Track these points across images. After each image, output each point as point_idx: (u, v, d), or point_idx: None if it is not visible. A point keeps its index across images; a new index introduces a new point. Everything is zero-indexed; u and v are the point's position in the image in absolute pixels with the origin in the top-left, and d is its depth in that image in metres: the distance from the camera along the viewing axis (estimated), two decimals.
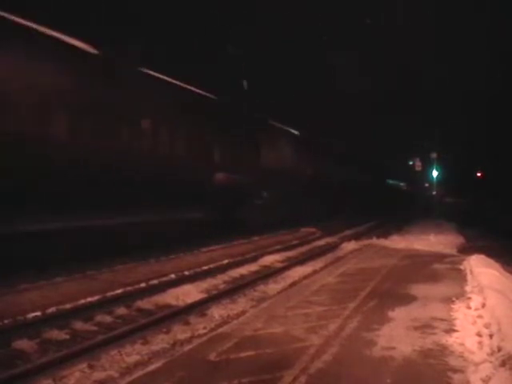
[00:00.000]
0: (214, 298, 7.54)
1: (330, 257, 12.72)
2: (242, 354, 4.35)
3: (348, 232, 19.50)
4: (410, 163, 49.23)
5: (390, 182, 44.90)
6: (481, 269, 8.50)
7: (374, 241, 15.75)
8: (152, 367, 4.14)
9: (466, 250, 13.64)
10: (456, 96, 50.09)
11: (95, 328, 6.06)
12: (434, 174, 44.76)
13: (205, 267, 9.82)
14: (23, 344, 5.26)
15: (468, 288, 7.29)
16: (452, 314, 5.87)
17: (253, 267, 10.60)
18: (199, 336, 5.62)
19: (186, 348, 4.76)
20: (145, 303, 7.18)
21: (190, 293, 7.80)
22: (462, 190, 60.67)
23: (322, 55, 29.64)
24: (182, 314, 6.62)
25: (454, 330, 5.19)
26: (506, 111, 41.08)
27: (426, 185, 53.30)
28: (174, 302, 7.32)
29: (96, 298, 7.03)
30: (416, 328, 5.27)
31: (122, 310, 6.79)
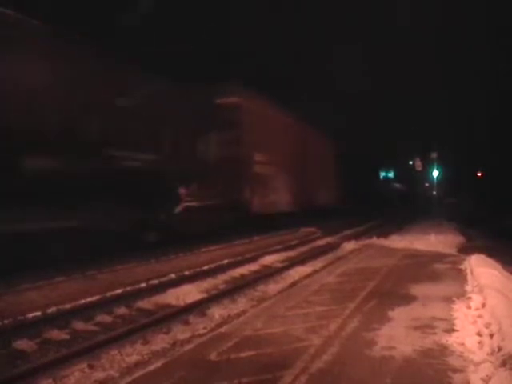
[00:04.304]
0: (214, 298, 7.54)
1: (330, 256, 12.72)
2: (243, 354, 4.35)
3: (348, 232, 19.49)
4: (410, 163, 49.21)
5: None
6: (481, 268, 8.49)
7: (374, 240, 15.73)
8: (152, 367, 4.13)
9: (466, 250, 13.62)
10: (457, 96, 50.11)
11: (95, 328, 6.06)
12: (435, 173, 44.76)
13: (205, 267, 9.82)
14: (23, 344, 5.26)
15: (468, 288, 7.28)
16: (452, 313, 5.87)
17: (253, 267, 10.60)
18: (199, 336, 5.62)
19: (186, 348, 4.76)
20: (145, 303, 7.18)
21: (190, 293, 7.80)
22: (462, 190, 60.61)
23: (325, 56, 29.62)
24: (182, 313, 6.62)
25: (454, 330, 5.18)
26: (507, 110, 41.07)
27: (427, 184, 53.29)
28: (174, 302, 7.32)
29: (96, 297, 7.02)
30: (416, 328, 5.27)
31: (122, 310, 6.79)
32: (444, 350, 4.58)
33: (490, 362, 4.07)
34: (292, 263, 11.06)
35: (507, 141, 40.78)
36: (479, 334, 4.87)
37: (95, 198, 9.24)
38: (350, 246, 14.70)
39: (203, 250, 12.09)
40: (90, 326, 6.09)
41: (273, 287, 8.77)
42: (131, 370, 4.67)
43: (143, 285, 8.02)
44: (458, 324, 5.39)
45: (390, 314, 5.81)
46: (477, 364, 4.12)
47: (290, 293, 7.12)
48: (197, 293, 7.87)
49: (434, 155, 42.57)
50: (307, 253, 13.16)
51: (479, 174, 57.28)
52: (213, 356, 4.31)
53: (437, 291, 7.13)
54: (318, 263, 11.41)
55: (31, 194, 7.89)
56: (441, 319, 5.60)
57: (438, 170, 45.25)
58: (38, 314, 6.12)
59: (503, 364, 3.87)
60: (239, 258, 11.20)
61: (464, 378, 3.91)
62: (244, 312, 6.56)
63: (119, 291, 7.48)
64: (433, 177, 46.91)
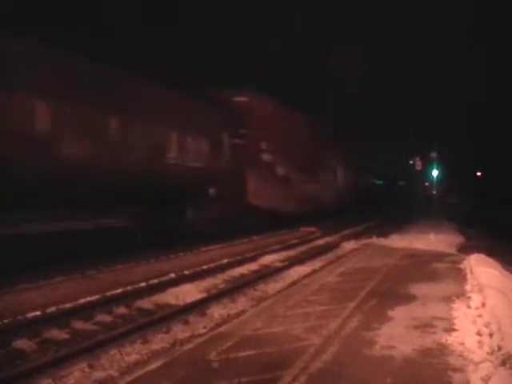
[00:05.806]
0: (214, 298, 7.54)
1: (329, 256, 12.72)
2: (242, 354, 4.35)
3: (347, 231, 19.47)
4: (410, 162, 49.25)
5: None
6: (481, 268, 8.49)
7: (374, 240, 15.72)
8: (152, 367, 4.13)
9: (465, 250, 13.59)
10: (457, 96, 50.08)
11: (95, 327, 6.06)
12: (434, 173, 44.78)
13: (205, 266, 9.81)
14: (23, 344, 5.26)
15: (468, 287, 7.28)
16: (452, 313, 5.87)
17: (253, 266, 10.60)
18: (199, 335, 5.62)
19: (186, 347, 4.76)
20: (145, 303, 7.18)
21: (189, 292, 7.80)
22: (462, 190, 60.60)
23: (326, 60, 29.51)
24: (181, 313, 6.62)
25: (454, 329, 5.18)
26: (508, 110, 41.05)
27: (426, 184, 53.36)
28: (173, 302, 7.32)
29: (96, 297, 7.02)
30: (416, 327, 5.27)
31: (121, 310, 6.78)
32: (444, 349, 4.59)
33: (490, 361, 4.07)
34: (292, 263, 11.06)
35: (507, 141, 40.78)
36: (479, 334, 4.88)
37: None
38: (349, 245, 14.70)
39: (203, 249, 12.09)
40: (89, 326, 6.09)
41: (272, 287, 8.77)
42: (131, 369, 4.67)
43: (143, 284, 8.01)
44: (457, 323, 5.40)
45: (390, 313, 5.82)
46: (476, 363, 4.12)
47: (289, 292, 7.12)
48: (196, 292, 7.87)
49: (433, 155, 42.62)
50: (307, 252, 13.16)
51: (479, 174, 57.22)
52: (212, 356, 4.31)
53: (437, 291, 7.14)
54: (317, 263, 11.41)
55: None
56: (441, 319, 5.61)
57: (437, 169, 45.29)
58: (38, 313, 6.11)
59: (503, 363, 3.87)
60: (239, 257, 11.19)
61: (464, 377, 3.91)
62: (244, 311, 6.57)
63: (119, 291, 7.48)
64: (432, 176, 46.99)
